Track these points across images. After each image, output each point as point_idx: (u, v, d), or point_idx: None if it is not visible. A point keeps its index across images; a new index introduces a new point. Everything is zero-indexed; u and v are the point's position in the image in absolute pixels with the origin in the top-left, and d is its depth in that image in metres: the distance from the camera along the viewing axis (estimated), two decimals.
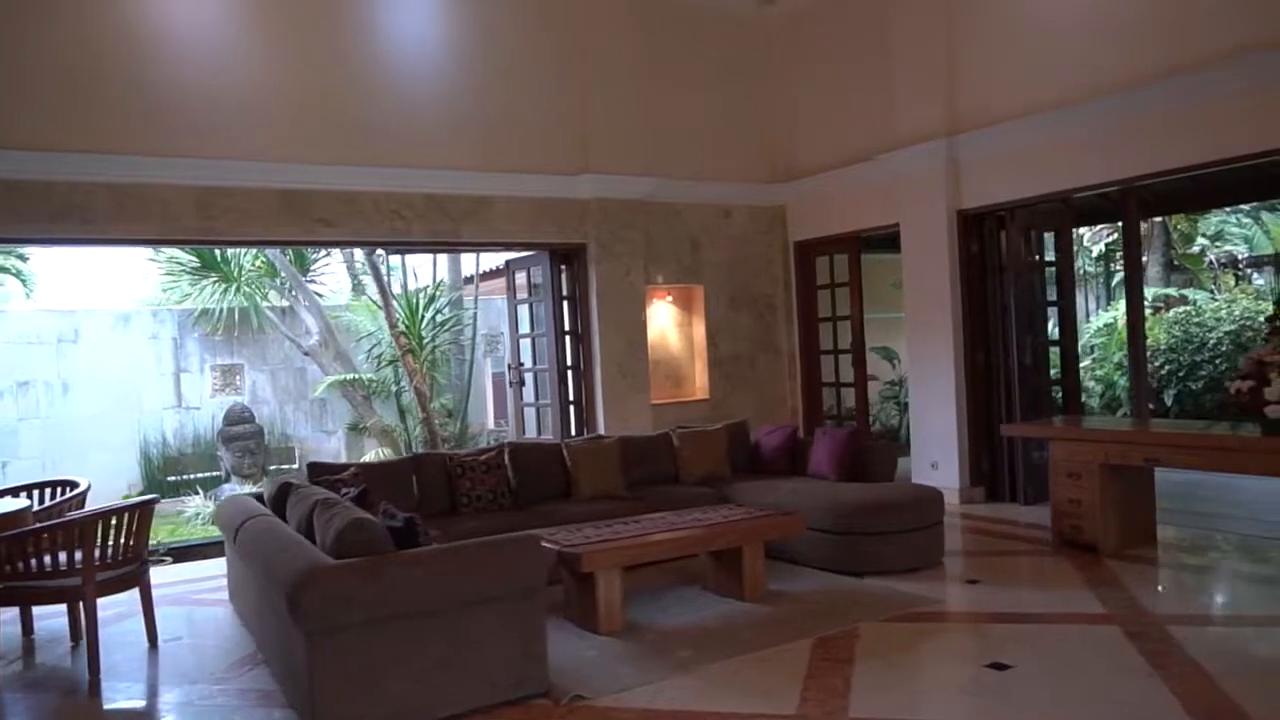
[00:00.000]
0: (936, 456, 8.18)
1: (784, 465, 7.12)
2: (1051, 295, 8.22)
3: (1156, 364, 11.55)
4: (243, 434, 10.59)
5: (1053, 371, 8.36)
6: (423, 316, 10.66)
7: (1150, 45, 6.62)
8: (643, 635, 4.83)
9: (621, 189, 8.71)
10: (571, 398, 8.99)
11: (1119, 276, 13.58)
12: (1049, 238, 8.12)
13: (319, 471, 5.90)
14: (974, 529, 7.06)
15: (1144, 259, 13.36)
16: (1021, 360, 7.79)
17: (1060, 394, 8.33)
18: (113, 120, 6.76)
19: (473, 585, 3.93)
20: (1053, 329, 8.57)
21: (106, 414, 10.62)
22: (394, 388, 11.02)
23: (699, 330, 9.58)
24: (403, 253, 10.24)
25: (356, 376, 11.07)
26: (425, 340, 10.65)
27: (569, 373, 8.97)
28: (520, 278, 9.47)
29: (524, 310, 9.52)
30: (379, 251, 10.27)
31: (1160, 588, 5.44)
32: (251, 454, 10.48)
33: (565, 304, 8.95)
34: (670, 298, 9.48)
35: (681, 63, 9.21)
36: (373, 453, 10.90)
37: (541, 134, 8.46)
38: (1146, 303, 12.39)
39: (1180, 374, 11.48)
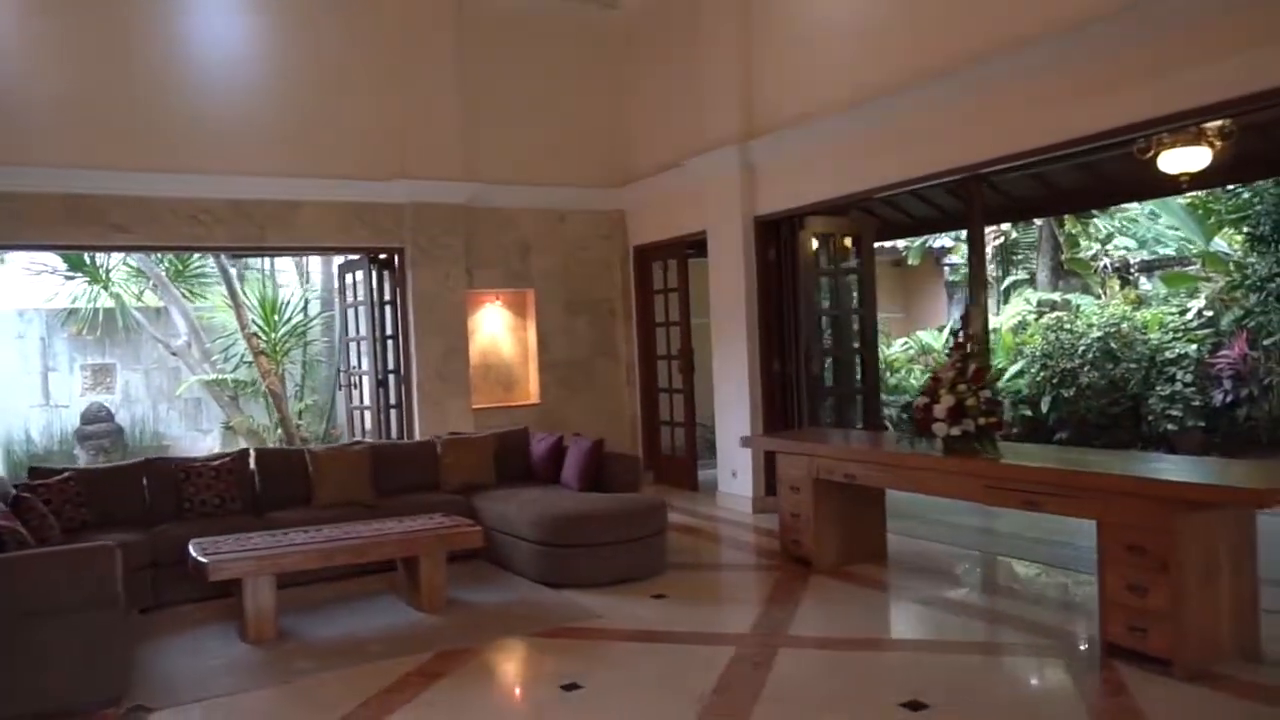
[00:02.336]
0: (736, 465, 8.13)
1: (548, 474, 7.11)
2: (853, 303, 8.14)
3: (1034, 371, 11.38)
4: (98, 433, 10.76)
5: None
6: (276, 319, 10.75)
7: (935, 40, 6.40)
8: (283, 645, 4.86)
9: (439, 194, 8.72)
10: (392, 401, 9.04)
11: (1009, 280, 13.39)
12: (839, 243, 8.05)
13: (37, 475, 6.00)
14: (730, 540, 7.01)
15: (1034, 262, 13.19)
16: (809, 369, 7.72)
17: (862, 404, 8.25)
18: None
19: (30, 594, 3.97)
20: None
21: None
22: (263, 388, 11.12)
23: (531, 335, 9.58)
24: (217, 255, 10.40)
25: (220, 377, 11.19)
26: (279, 342, 10.74)
27: (390, 377, 9.03)
28: (349, 280, 9.52)
29: (353, 314, 9.58)
30: (222, 255, 10.39)
31: (837, 608, 5.37)
32: (106, 452, 10.62)
33: (386, 308, 8.99)
34: (500, 302, 9.48)
35: (514, 68, 9.18)
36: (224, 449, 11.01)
37: (356, 139, 8.50)
38: (1030, 307, 12.25)
39: (1054, 380, 11.30)
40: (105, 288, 11.03)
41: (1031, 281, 13.06)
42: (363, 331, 9.25)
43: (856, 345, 8.25)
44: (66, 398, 11.42)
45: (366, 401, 9.37)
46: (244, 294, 10.85)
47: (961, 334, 5.26)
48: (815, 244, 7.82)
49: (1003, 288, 13.30)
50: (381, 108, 8.54)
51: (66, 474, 6.02)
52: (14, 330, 11.31)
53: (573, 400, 9.61)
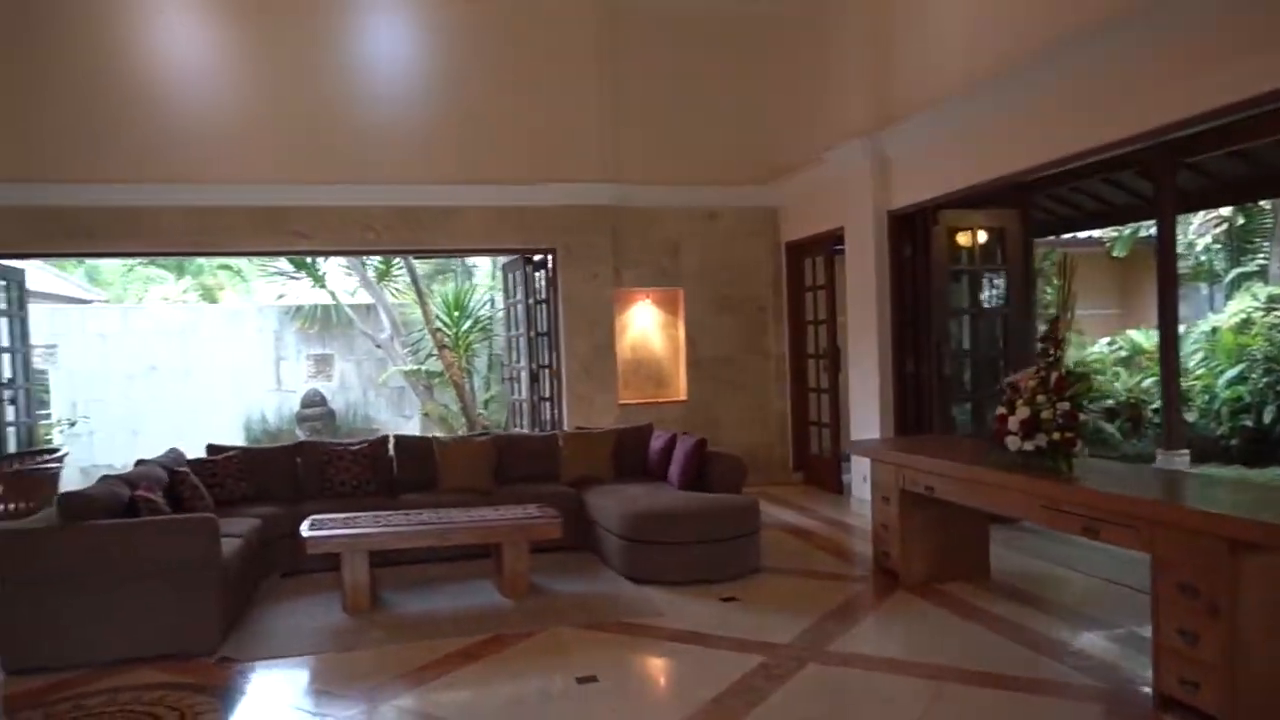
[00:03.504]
0: (865, 469, 7.80)
1: (660, 471, 7.22)
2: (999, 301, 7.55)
3: (1256, 375, 9.95)
4: (313, 415, 12.21)
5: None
6: (458, 315, 11.62)
7: None
8: (373, 615, 5.35)
9: (586, 195, 9.07)
10: (545, 394, 9.52)
11: (1235, 272, 11.65)
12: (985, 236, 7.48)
13: (212, 451, 6.98)
14: (838, 547, 6.78)
15: (1267, 252, 11.42)
16: (940, 371, 7.27)
17: None
18: (122, 155, 8.23)
19: (136, 556, 4.69)
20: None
21: (219, 395, 12.66)
22: (463, 377, 12.06)
23: (681, 333, 9.70)
24: (404, 257, 11.30)
25: (415, 368, 12.29)
26: (462, 336, 11.61)
27: (543, 372, 9.51)
28: (511, 279, 10.11)
29: (514, 311, 10.16)
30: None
31: (899, 626, 5.06)
32: (319, 432, 12.02)
33: (540, 307, 9.48)
34: (650, 300, 9.68)
35: (659, 67, 9.35)
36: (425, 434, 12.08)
37: (507, 145, 9.00)
38: (1258, 303, 10.71)
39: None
40: (322, 286, 12.44)
41: (1263, 274, 11.34)
42: (521, 328, 9.82)
43: (1003, 346, 7.65)
44: (294, 383, 13.04)
45: (525, 394, 9.93)
46: (429, 290, 11.81)
47: (1049, 338, 4.79)
48: (952, 238, 7.34)
49: (1228, 279, 11.66)
50: (531, 115, 8.99)
51: (233, 452, 6.96)
52: (254, 325, 13.08)
53: (720, 398, 9.65)
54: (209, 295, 19.26)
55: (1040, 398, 4.57)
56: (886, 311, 7.62)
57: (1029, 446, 4.54)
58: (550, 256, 9.29)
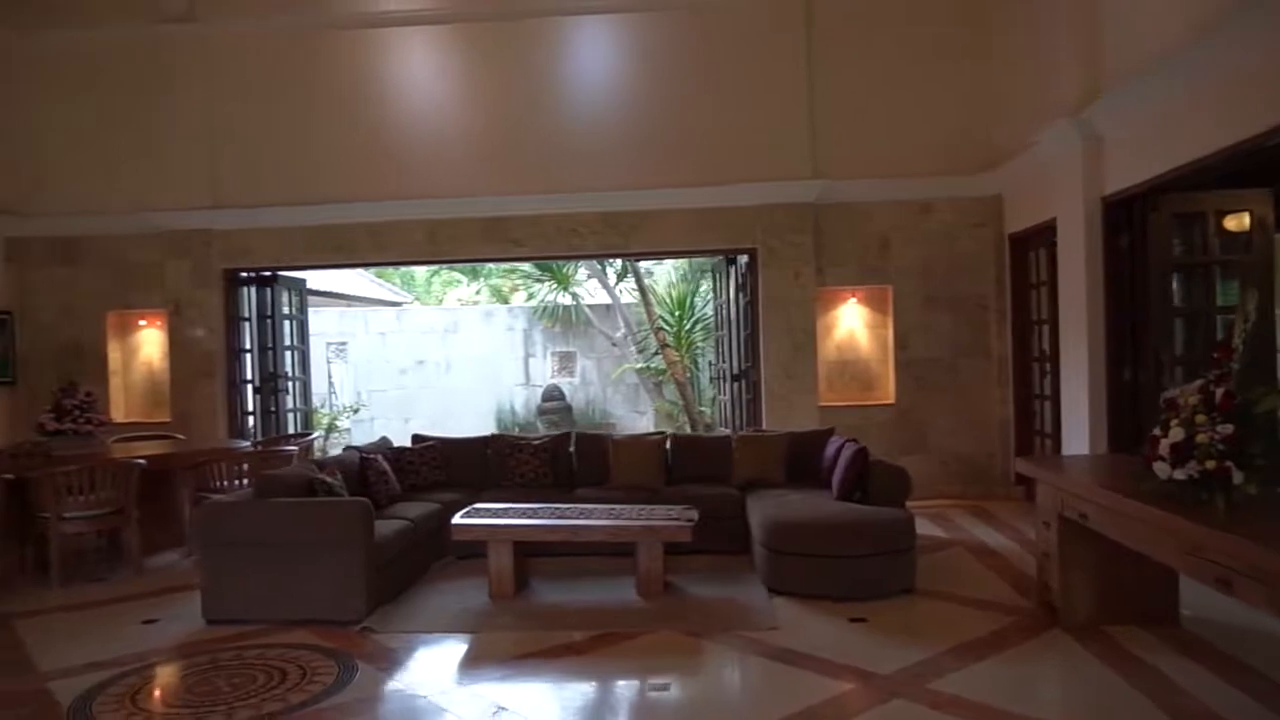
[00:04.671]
0: None
1: (829, 478, 6.91)
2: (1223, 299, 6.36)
3: None
4: (552, 409, 12.99)
5: None
6: (683, 314, 11.82)
7: None
8: (511, 602, 5.69)
9: (787, 194, 8.88)
10: (748, 395, 9.45)
11: None
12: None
13: (416, 441, 7.74)
14: (1014, 572, 6.08)
15: None
16: (1159, 380, 6.26)
17: None
18: (371, 177, 9.34)
19: (304, 530, 5.36)
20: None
21: (475, 387, 13.90)
22: (685, 375, 12.33)
23: (890, 333, 9.18)
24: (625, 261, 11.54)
25: (645, 365, 12.68)
26: (684, 335, 11.79)
27: (746, 372, 9.44)
28: (719, 280, 10.12)
29: (721, 312, 10.15)
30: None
31: (1028, 670, 4.44)
32: (556, 425, 12.77)
33: (744, 308, 9.41)
34: (857, 299, 9.25)
35: (866, 59, 8.91)
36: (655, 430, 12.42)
37: (707, 148, 9.03)
38: None
39: None
40: (565, 289, 13.24)
41: None
42: (725, 328, 9.82)
43: (1250, 354, 6.41)
44: (541, 379, 14.00)
45: (729, 394, 9.91)
46: (653, 290, 12.13)
47: (1224, 344, 4.01)
48: (1180, 225, 6.30)
49: None
50: (730, 115, 8.95)
51: (431, 442, 7.67)
52: (505, 324, 14.22)
53: (932, 402, 9.01)
54: (501, 296, 21.20)
55: (1200, 417, 3.85)
56: (1099, 312, 6.70)
57: (1179, 475, 3.84)
58: (750, 256, 9.21)
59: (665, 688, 4.26)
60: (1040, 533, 5.19)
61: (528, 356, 14.21)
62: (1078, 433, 6.93)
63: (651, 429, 13.18)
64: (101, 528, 6.68)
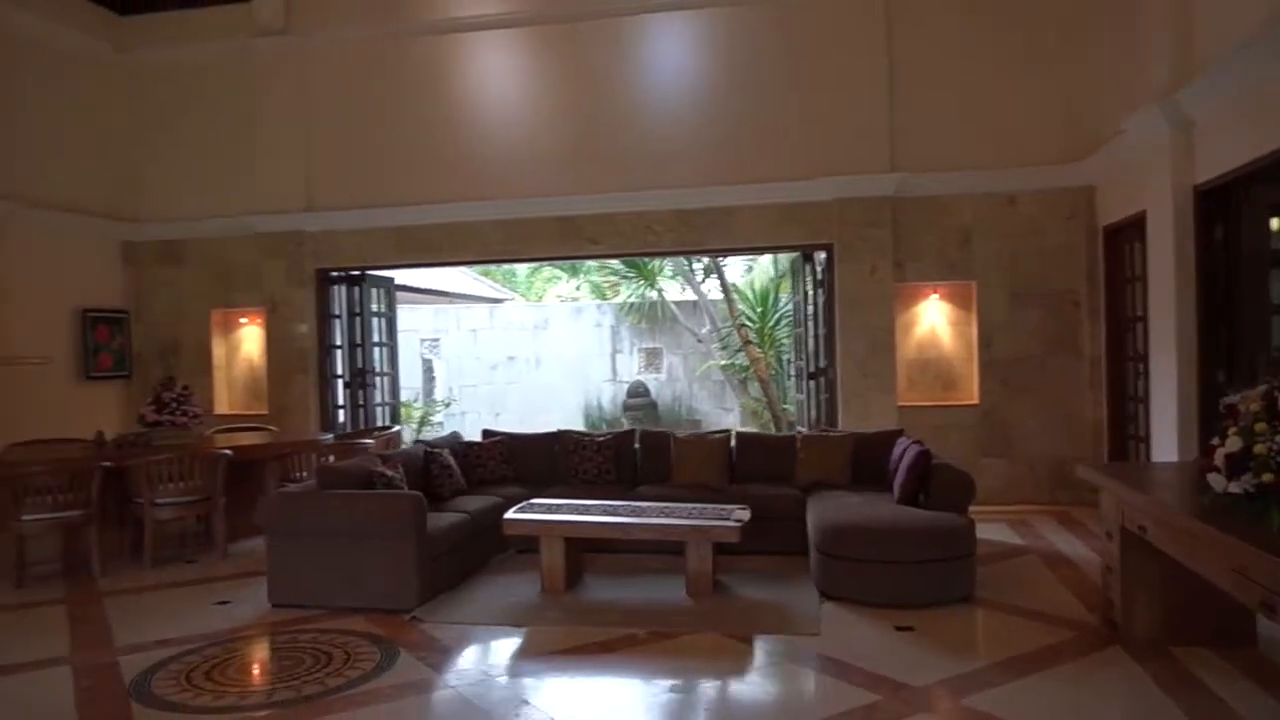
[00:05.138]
0: None
1: (893, 479, 6.70)
2: None
3: None
4: (636, 405, 13.03)
5: None
6: (766, 310, 11.65)
7: None
8: (560, 597, 5.76)
9: (864, 188, 8.65)
10: (825, 393, 9.25)
11: None
12: None
13: (486, 435, 7.91)
14: (1083, 584, 5.74)
15: None
16: (1254, 382, 5.78)
17: None
18: (451, 179, 9.59)
19: (358, 521, 5.56)
20: None
21: (564, 383, 14.09)
22: (771, 373, 12.18)
23: (974, 330, 8.82)
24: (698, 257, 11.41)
25: (730, 362, 12.57)
26: (767, 331, 11.63)
27: (823, 370, 9.25)
28: (799, 276, 9.93)
29: (800, 308, 9.96)
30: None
31: (1068, 689, 4.18)
32: (640, 421, 12.82)
33: (819, 304, 9.21)
34: (938, 295, 8.92)
35: (948, 47, 8.59)
36: (742, 428, 12.30)
37: (783, 142, 8.90)
38: None
39: None
40: (651, 285, 13.27)
41: None
42: (803, 325, 9.64)
43: None
44: (628, 375, 14.08)
45: (806, 393, 9.73)
46: (736, 286, 12.02)
47: None
48: (1272, 216, 5.81)
49: None
50: (806, 109, 8.79)
51: (500, 437, 7.83)
52: (593, 320, 14.36)
53: (1017, 403, 8.62)
54: (600, 293, 21.49)
55: (1260, 426, 3.56)
56: (1190, 310, 6.26)
57: (1234, 488, 3.56)
58: (827, 252, 9.01)
59: (687, 689, 4.23)
60: (1104, 544, 4.91)
61: (615, 353, 14.34)
62: (1166, 438, 6.50)
63: (737, 426, 13.13)
64: (191, 513, 7.10)
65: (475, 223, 9.61)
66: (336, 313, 10.21)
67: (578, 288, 21.96)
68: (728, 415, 13.60)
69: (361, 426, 10.06)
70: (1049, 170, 8.45)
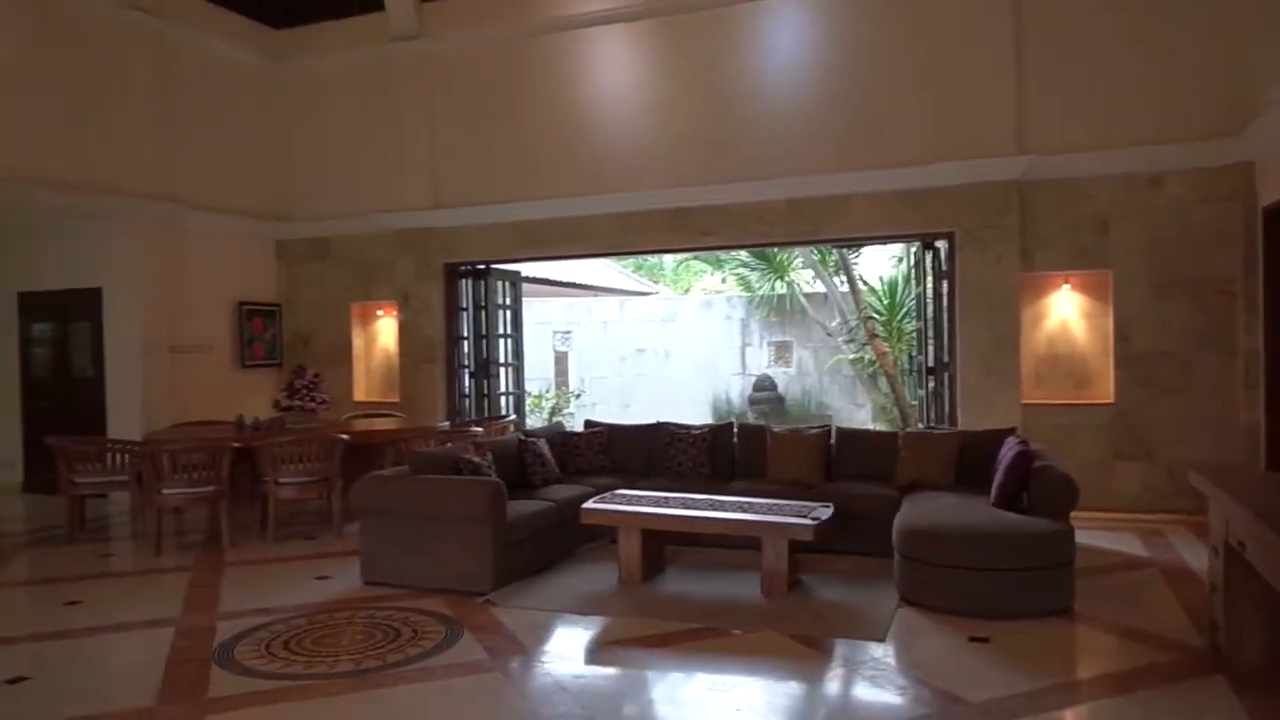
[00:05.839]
0: None
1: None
2: None
3: None
4: (762, 399, 12.79)
5: None
6: (895, 303, 11.16)
7: None
8: (635, 588, 5.78)
9: (987, 172, 8.16)
10: (944, 390, 8.79)
11: None
12: None
13: (588, 426, 8.03)
14: (1198, 604, 5.15)
15: None
16: None
17: None
18: (566, 175, 9.78)
19: (439, 505, 5.78)
20: None
21: (692, 376, 14.03)
22: (896, 368, 11.71)
23: (1109, 323, 8.13)
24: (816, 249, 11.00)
25: (858, 356, 12.14)
26: (896, 325, 11.15)
27: (941, 366, 8.79)
28: (921, 267, 9.47)
29: (922, 301, 9.49)
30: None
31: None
32: (766, 416, 12.60)
33: (939, 296, 8.76)
34: (1070, 285, 8.28)
35: (1084, 20, 7.94)
36: (874, 424, 11.86)
37: (900, 127, 8.53)
38: None
39: None
40: (781, 277, 13.04)
41: None
42: (926, 318, 9.19)
43: None
44: (757, 368, 13.89)
45: (926, 389, 9.27)
46: (861, 279, 11.60)
47: None
48: None
49: None
50: (926, 90, 8.38)
51: (600, 428, 7.92)
52: (723, 313, 14.24)
53: (1158, 402, 7.89)
54: (747, 285, 21.35)
55: None
56: None
57: None
58: (948, 241, 8.56)
59: (730, 689, 4.14)
60: (1210, 560, 4.42)
61: (744, 346, 14.19)
62: None
63: (869, 423, 12.72)
64: (310, 493, 7.60)
65: (590, 216, 9.76)
66: (463, 305, 10.63)
67: (723, 280, 21.93)
68: (859, 411, 13.17)
69: (486, 415, 10.43)
70: (1199, 147, 7.67)
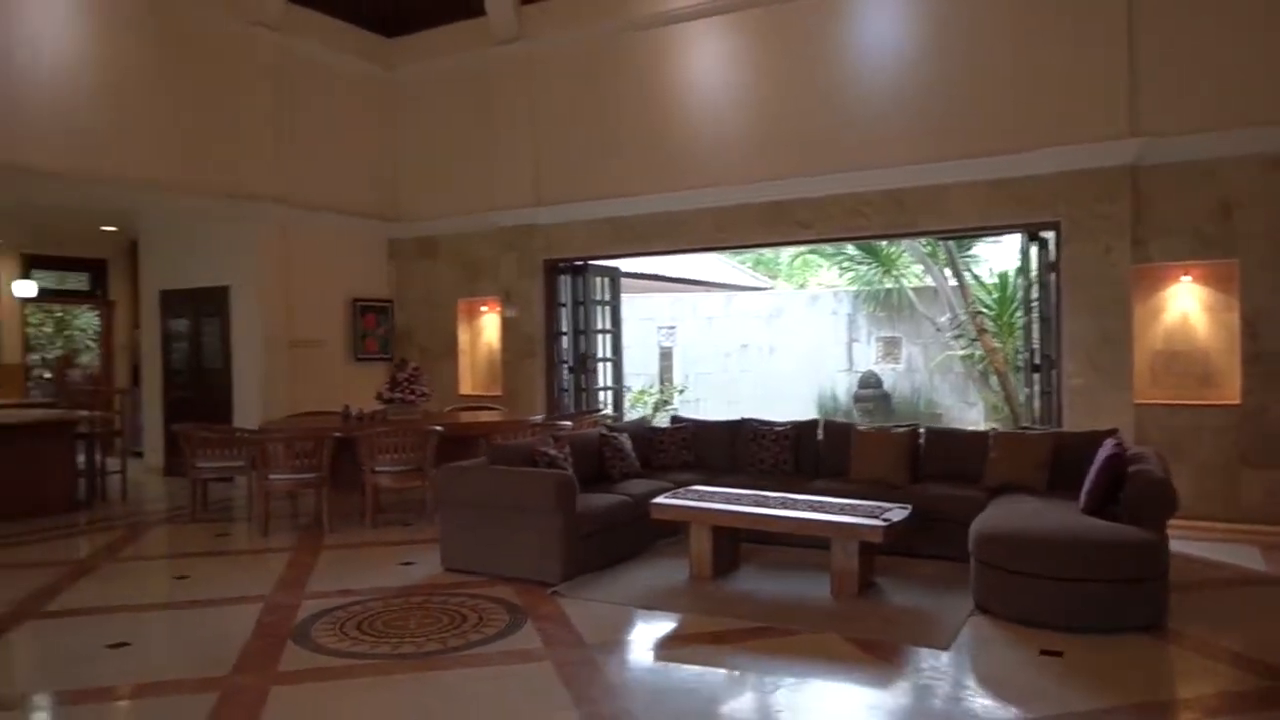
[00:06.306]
0: None
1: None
2: None
3: None
4: (867, 396, 12.41)
5: None
6: (1005, 297, 10.64)
7: None
8: (704, 585, 5.77)
9: (1096, 157, 7.69)
10: (1048, 388, 8.34)
11: None
12: None
13: (674, 422, 8.04)
14: None
15: None
16: None
17: None
18: (662, 168, 9.81)
19: (511, 495, 5.93)
20: None
21: (798, 372, 13.78)
22: (1007, 365, 11.18)
23: (1236, 317, 7.51)
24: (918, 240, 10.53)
25: (968, 352, 11.64)
26: (1006, 320, 10.62)
27: (1045, 363, 8.34)
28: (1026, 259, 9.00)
29: (1030, 294, 9.01)
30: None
31: None
32: (871, 414, 12.24)
33: (1045, 289, 8.31)
34: (1190, 277, 7.69)
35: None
36: (986, 424, 11.35)
37: (999, 113, 8.14)
38: None
39: None
40: (888, 270, 12.67)
41: None
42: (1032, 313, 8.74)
43: None
44: (864, 365, 13.54)
45: (1031, 387, 8.82)
46: (970, 272, 11.12)
47: None
48: None
49: None
50: (1028, 72, 7.96)
51: (685, 424, 7.93)
52: (829, 308, 13.94)
53: None
54: (866, 279, 20.87)
55: None
56: None
57: None
58: (1055, 231, 8.11)
59: (785, 690, 4.08)
60: None
61: (851, 342, 13.86)
62: None
63: (980, 423, 12.22)
64: (404, 482, 7.91)
65: (685, 211, 9.76)
66: (563, 301, 10.83)
67: (840, 274, 21.51)
68: (971, 410, 12.64)
69: (584, 409, 10.60)
70: None
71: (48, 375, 14.51)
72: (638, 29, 9.95)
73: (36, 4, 8.18)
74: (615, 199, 10.03)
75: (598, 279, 11.04)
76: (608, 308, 11.22)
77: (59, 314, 15.71)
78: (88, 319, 15.14)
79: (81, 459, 9.00)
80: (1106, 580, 4.79)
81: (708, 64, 9.64)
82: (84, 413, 9.37)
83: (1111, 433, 6.43)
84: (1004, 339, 10.88)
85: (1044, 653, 4.47)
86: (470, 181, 11.00)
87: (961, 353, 11.96)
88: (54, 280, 12.83)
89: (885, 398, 12.97)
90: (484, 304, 11.36)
